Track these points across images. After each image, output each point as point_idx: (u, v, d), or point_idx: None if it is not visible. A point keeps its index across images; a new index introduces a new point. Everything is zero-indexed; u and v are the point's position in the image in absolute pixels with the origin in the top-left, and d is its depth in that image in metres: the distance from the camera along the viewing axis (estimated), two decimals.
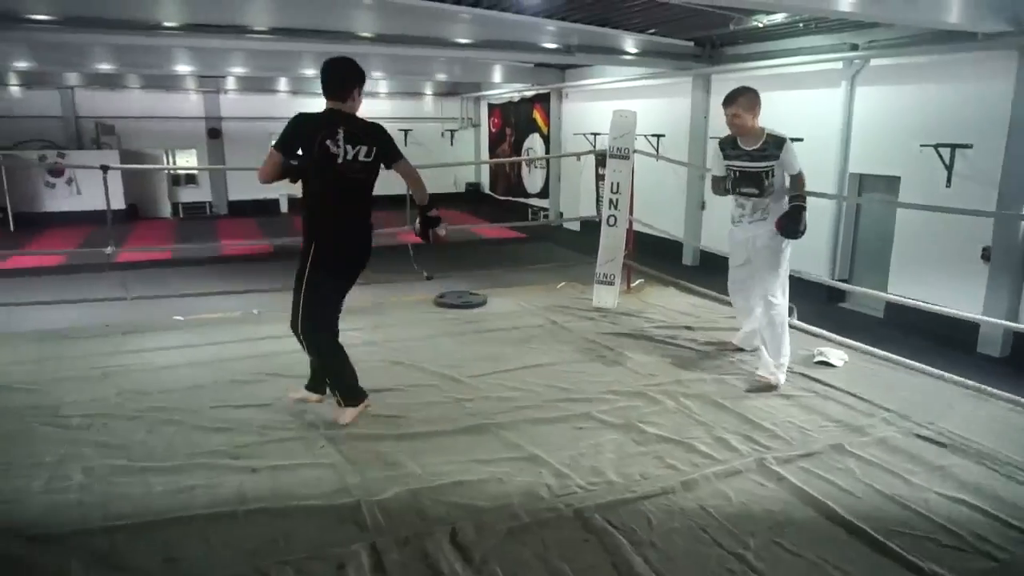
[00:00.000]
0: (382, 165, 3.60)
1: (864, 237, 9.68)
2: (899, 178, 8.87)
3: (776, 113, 10.26)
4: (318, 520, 2.85)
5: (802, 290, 5.61)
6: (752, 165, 4.36)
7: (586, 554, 2.67)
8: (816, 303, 6.21)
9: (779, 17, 8.75)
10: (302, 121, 3.46)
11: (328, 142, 3.38)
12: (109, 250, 5.52)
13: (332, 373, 3.74)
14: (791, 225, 4.27)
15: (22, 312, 6.78)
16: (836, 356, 4.72)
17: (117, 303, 5.67)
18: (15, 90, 16.11)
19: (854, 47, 9.14)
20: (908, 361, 4.72)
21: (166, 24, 9.44)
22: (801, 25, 9.26)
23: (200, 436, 3.59)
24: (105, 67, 12.71)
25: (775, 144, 4.31)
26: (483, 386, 4.31)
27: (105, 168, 5.44)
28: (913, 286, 8.18)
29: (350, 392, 3.74)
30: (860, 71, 9.18)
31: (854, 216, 9.74)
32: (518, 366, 4.64)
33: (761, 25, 9.06)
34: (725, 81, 11.33)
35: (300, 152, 3.45)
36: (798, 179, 4.35)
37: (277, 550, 2.65)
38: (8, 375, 4.41)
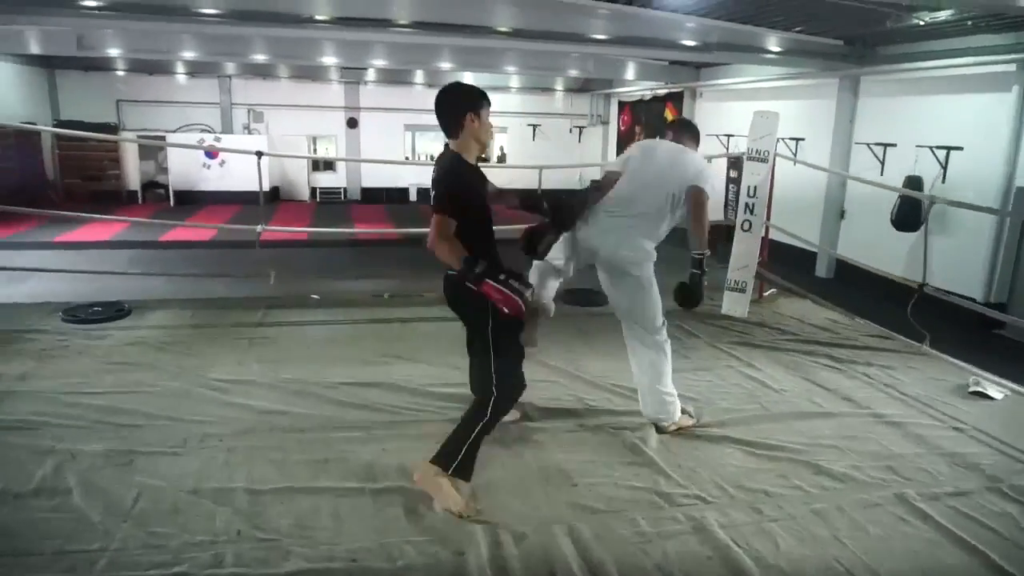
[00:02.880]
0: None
1: None
2: None
3: (933, 119, 9.55)
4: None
5: (949, 314, 5.16)
6: None
7: (710, 574, 2.59)
8: (966, 329, 5.69)
9: (944, 14, 8.07)
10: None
11: None
12: (259, 228, 5.91)
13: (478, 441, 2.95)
14: None
15: (178, 281, 7.41)
16: (994, 388, 4.32)
17: (261, 278, 6.07)
18: (181, 78, 17.54)
19: None
20: None
21: (317, 17, 9.97)
22: (969, 23, 8.49)
23: (333, 410, 3.78)
24: (260, 58, 13.59)
25: None
26: (603, 386, 4.27)
27: (260, 154, 5.82)
28: None
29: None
30: None
31: (1017, 234, 8.86)
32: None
33: (922, 23, 8.39)
34: (876, 82, 10.62)
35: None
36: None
37: (401, 529, 2.74)
38: (168, 338, 4.83)
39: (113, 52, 12.74)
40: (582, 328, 5.41)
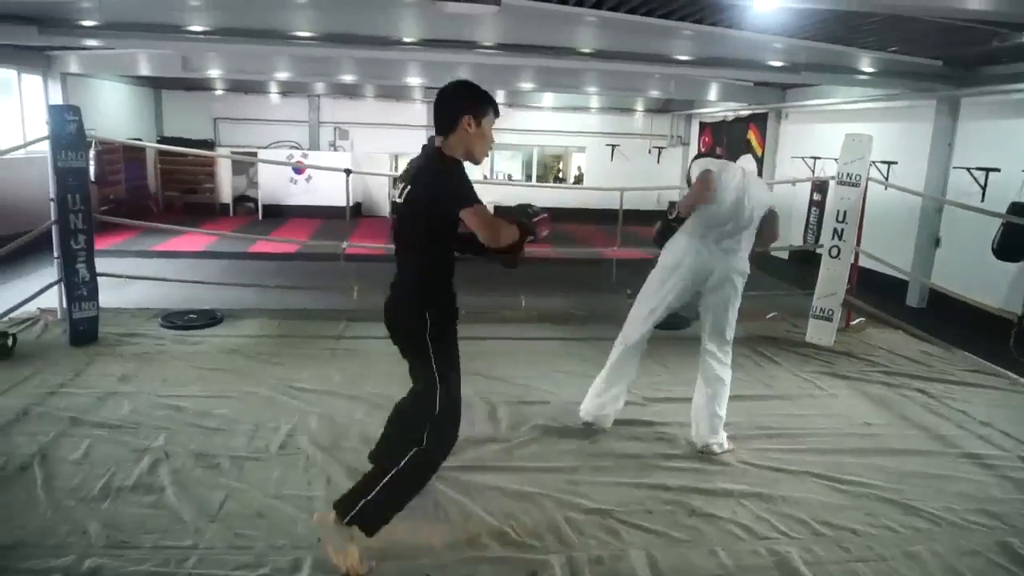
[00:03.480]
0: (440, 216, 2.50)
1: None
2: None
3: None
4: (514, 525, 2.91)
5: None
6: None
7: None
8: None
9: None
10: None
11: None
12: (344, 244, 6.11)
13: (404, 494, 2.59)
14: None
15: (267, 292, 7.71)
16: None
17: (343, 291, 6.25)
18: (273, 97, 18.38)
19: None
20: None
21: (405, 39, 10.28)
22: None
23: None
24: (348, 78, 14.11)
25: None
26: (674, 413, 4.18)
27: (348, 172, 6.03)
28: None
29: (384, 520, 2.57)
30: None
31: None
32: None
33: None
34: (978, 104, 10.11)
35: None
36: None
37: (477, 545, 2.75)
38: (256, 347, 5.04)
39: (213, 73, 13.50)
40: (660, 353, 5.33)
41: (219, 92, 17.76)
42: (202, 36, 9.69)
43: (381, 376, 4.52)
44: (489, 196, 19.79)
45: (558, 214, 18.88)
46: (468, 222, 2.43)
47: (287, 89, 17.95)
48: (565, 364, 4.97)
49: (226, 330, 5.39)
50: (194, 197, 17.12)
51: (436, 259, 2.55)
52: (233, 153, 16.69)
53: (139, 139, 15.19)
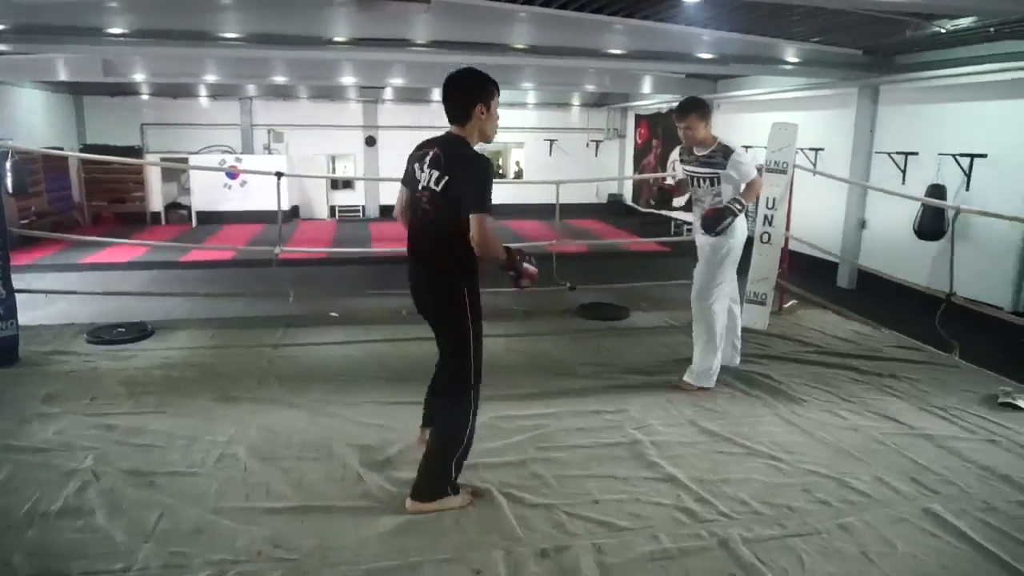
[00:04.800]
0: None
1: None
2: None
3: (956, 127, 9.42)
4: (463, 524, 2.90)
5: (977, 323, 5.07)
6: (698, 171, 4.44)
7: None
8: (993, 339, 5.59)
9: (966, 21, 7.99)
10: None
11: (415, 165, 2.94)
12: (277, 249, 5.97)
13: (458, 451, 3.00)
14: (710, 221, 4.31)
15: (199, 301, 7.50)
16: None
17: (280, 297, 6.13)
18: (203, 101, 17.85)
19: None
20: None
21: (336, 39, 10.11)
22: (992, 30, 8.39)
23: (355, 430, 3.78)
24: (280, 79, 13.81)
25: (723, 153, 4.34)
26: (622, 401, 4.24)
27: (279, 175, 5.90)
28: None
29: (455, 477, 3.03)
30: None
31: None
32: (662, 383, 4.54)
33: (943, 31, 8.31)
34: (896, 91, 10.53)
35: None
36: (750, 186, 4.39)
37: (420, 548, 2.73)
38: (189, 358, 4.88)
39: (138, 77, 13.03)
40: (604, 342, 5.39)
41: (145, 97, 17.16)
42: (123, 39, 9.34)
43: (320, 383, 4.45)
44: None
45: (499, 210, 18.96)
46: (472, 224, 2.71)
47: (217, 92, 17.45)
48: (507, 359, 4.98)
49: (157, 343, 5.21)
50: (123, 207, 16.51)
51: (464, 233, 2.75)
52: (163, 160, 16.17)
53: (60, 148, 14.54)
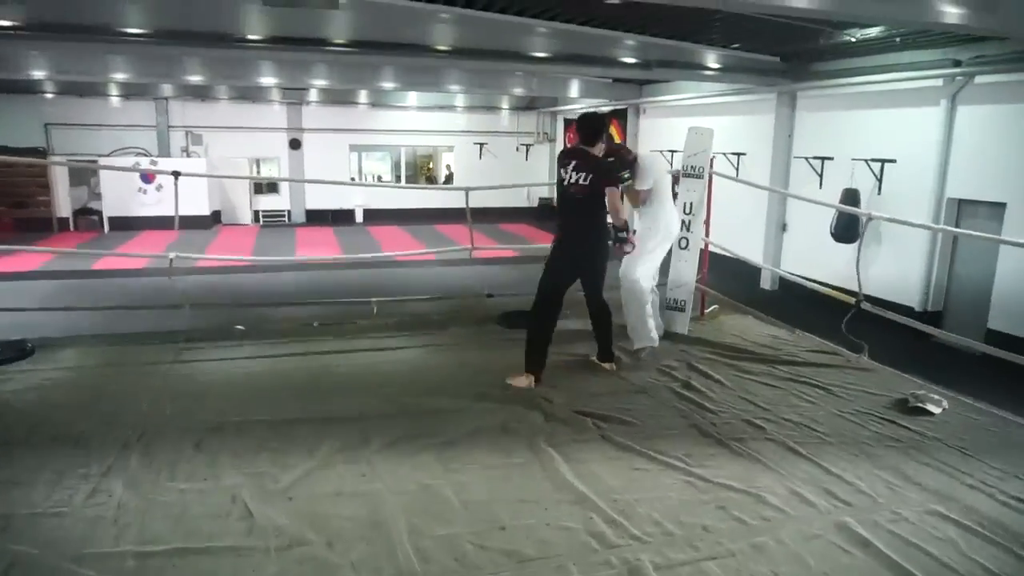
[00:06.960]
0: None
1: (963, 265, 8.95)
2: (1005, 204, 8.17)
3: (868, 133, 9.71)
4: (356, 554, 2.68)
5: (890, 322, 5.15)
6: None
7: None
8: (904, 337, 5.71)
9: (874, 31, 8.23)
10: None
11: (560, 170, 4.63)
12: (172, 255, 5.56)
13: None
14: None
15: (90, 315, 6.99)
16: (933, 402, 4.26)
17: (182, 309, 5.74)
18: (114, 100, 16.96)
19: (956, 63, 8.50)
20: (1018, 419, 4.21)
21: (251, 37, 9.69)
22: (898, 40, 8.68)
23: (249, 454, 3.50)
24: (196, 79, 13.21)
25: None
26: (538, 411, 4.08)
27: (176, 174, 5.50)
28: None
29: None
30: (962, 89, 8.52)
31: (951, 242, 9.04)
32: (552, 394, 4.40)
33: (854, 39, 8.55)
34: (812, 98, 10.80)
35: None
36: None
37: None
38: (71, 380, 4.48)
39: (37, 74, 12.22)
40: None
41: (49, 95, 16.18)
42: (13, 33, 8.71)
43: (217, 401, 4.13)
44: (358, 199, 19.21)
45: (424, 214, 18.60)
46: (608, 196, 4.47)
47: (130, 91, 16.62)
48: (434, 359, 4.77)
49: (38, 363, 4.76)
50: (25, 212, 15.51)
51: (604, 212, 4.54)
52: (69, 161, 15.28)
53: None
